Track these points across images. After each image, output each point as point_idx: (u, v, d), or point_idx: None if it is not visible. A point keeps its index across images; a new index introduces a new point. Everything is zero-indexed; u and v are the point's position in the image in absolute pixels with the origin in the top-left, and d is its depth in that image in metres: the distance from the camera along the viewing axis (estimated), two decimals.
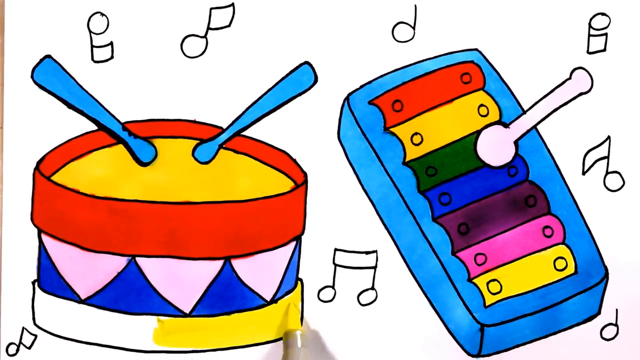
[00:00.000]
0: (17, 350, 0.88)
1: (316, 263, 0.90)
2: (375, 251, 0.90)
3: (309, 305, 0.90)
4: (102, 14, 0.86)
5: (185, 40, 0.87)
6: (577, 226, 0.91)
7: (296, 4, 0.88)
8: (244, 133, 0.88)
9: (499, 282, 0.91)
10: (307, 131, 0.89)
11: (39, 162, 0.87)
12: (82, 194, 0.86)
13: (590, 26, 0.90)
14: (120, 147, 0.87)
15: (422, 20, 0.89)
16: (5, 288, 0.87)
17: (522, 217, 0.91)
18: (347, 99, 0.89)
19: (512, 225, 0.91)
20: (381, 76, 0.89)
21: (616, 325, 0.93)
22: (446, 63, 0.89)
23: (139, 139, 0.87)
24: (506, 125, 0.90)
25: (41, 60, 0.86)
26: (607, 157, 0.92)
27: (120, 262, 0.86)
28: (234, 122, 0.88)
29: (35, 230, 0.87)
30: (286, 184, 0.89)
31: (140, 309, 0.87)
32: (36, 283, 0.88)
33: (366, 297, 0.91)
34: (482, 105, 0.90)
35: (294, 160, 0.89)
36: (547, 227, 0.91)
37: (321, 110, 0.89)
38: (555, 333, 0.92)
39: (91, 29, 0.86)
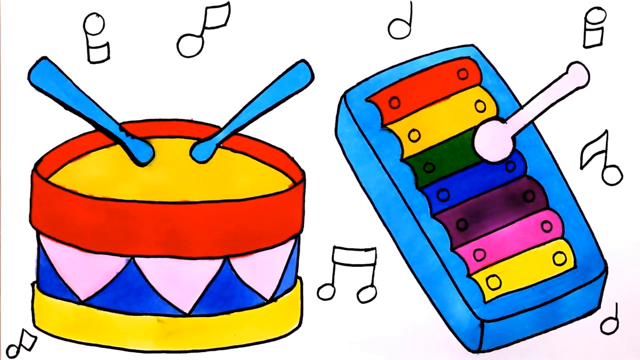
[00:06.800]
0: (18, 352, 0.88)
1: (315, 261, 0.90)
2: (374, 248, 0.90)
3: (309, 303, 0.90)
4: (98, 15, 0.86)
5: (181, 40, 0.87)
6: (575, 220, 0.91)
7: (292, 2, 0.88)
8: (241, 132, 0.88)
9: (498, 277, 0.91)
10: (305, 129, 0.89)
11: (36, 164, 0.86)
12: (80, 195, 0.86)
13: (586, 20, 0.90)
14: (118, 147, 0.87)
15: (417, 16, 0.89)
16: (5, 290, 0.87)
17: (520, 212, 0.91)
18: (344, 96, 0.89)
19: (511, 221, 0.91)
20: (378, 73, 0.89)
21: (616, 319, 0.93)
22: (442, 59, 0.89)
23: (136, 139, 0.87)
24: (503, 121, 0.90)
25: (37, 62, 0.86)
26: (605, 151, 0.92)
27: (119, 263, 0.86)
28: (231, 121, 0.88)
29: (34, 232, 0.87)
30: (284, 182, 0.88)
31: (140, 309, 0.87)
32: (35, 285, 0.88)
33: (366, 295, 0.91)
34: (479, 100, 0.90)
35: (292, 159, 0.89)
36: (545, 221, 0.91)
37: (318, 108, 0.89)
38: (555, 328, 0.92)
39: (87, 29, 0.86)
